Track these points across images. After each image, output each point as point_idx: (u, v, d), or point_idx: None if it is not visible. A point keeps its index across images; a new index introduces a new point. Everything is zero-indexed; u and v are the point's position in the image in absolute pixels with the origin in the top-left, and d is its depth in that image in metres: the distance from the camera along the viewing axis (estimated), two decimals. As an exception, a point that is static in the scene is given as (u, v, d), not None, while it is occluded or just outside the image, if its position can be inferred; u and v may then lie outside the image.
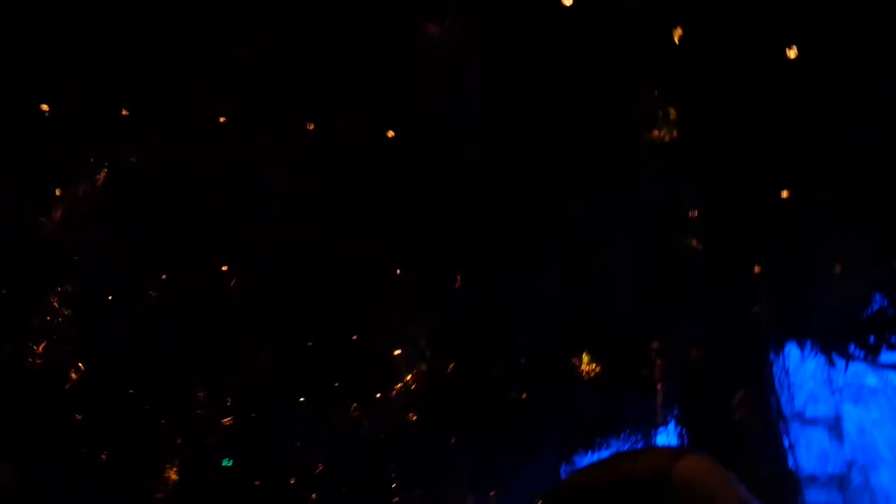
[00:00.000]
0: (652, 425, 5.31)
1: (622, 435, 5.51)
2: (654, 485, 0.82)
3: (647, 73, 3.37)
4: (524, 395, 5.25)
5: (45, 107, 3.77)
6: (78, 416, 4.81)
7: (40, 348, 4.60)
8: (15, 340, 4.56)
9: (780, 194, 3.48)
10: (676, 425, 4.93)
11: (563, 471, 5.89)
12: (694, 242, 3.72)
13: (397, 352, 5.30)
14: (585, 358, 5.11)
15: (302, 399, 5.24)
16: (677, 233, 3.71)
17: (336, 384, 5.24)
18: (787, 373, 4.39)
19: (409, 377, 5.25)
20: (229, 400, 5.16)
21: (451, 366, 5.30)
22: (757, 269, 3.73)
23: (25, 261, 4.45)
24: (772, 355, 4.33)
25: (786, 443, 4.21)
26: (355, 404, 5.29)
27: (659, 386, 4.72)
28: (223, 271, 4.67)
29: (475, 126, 3.40)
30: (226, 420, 5.21)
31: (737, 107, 3.38)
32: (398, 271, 4.79)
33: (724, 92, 3.28)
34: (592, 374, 5.11)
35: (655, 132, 3.58)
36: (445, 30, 3.12)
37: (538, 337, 4.81)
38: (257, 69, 3.42)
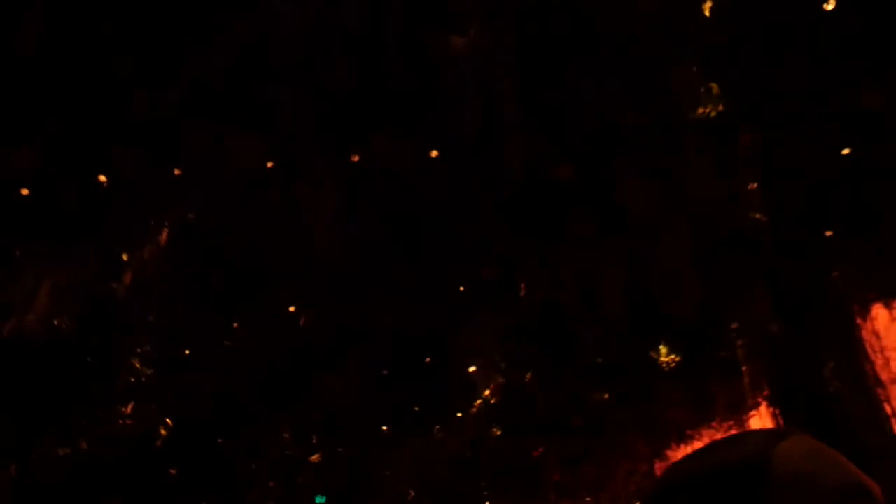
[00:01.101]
0: (743, 409, 5.14)
1: (713, 423, 5.34)
2: (752, 472, 0.77)
3: (682, 52, 3.30)
4: (605, 396, 5.16)
5: (102, 178, 3.91)
6: (172, 471, 4.93)
7: (129, 409, 4.75)
8: (104, 404, 4.72)
9: (840, 152, 3.34)
10: (768, 406, 4.76)
11: (657, 468, 5.75)
12: (757, 215, 3.60)
13: (472, 368, 5.28)
14: (663, 350, 5.00)
15: (384, 427, 5.26)
16: (736, 206, 3.60)
17: (415, 408, 5.24)
18: (877, 336, 4.19)
19: (486, 392, 5.22)
20: (314, 437, 5.22)
21: (527, 375, 5.25)
22: (828, 232, 3.59)
23: (104, 327, 4.61)
24: (858, 320, 4.14)
25: (888, 409, 4.01)
26: (437, 426, 5.28)
27: (744, 367, 4.57)
28: (290, 312, 4.74)
29: (512, 131, 3.39)
30: (313, 457, 5.27)
31: (784, 70, 3.27)
32: (461, 288, 4.79)
33: (767, 58, 3.19)
34: (673, 365, 4.99)
35: (700, 109, 3.50)
36: (471, 41, 3.12)
37: (610, 334, 4.73)
38: (297, 109, 3.48)
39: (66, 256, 4.13)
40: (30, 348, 4.40)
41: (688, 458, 0.86)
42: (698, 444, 5.40)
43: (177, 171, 3.93)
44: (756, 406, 4.94)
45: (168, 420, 4.91)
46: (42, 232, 4.01)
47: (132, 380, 4.80)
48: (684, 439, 5.43)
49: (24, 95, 3.28)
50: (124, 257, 4.20)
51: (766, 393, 4.76)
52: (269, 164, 3.89)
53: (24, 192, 3.81)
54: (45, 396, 4.59)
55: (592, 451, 5.58)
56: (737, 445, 0.83)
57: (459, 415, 5.27)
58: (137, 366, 4.80)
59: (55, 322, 4.34)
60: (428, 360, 5.19)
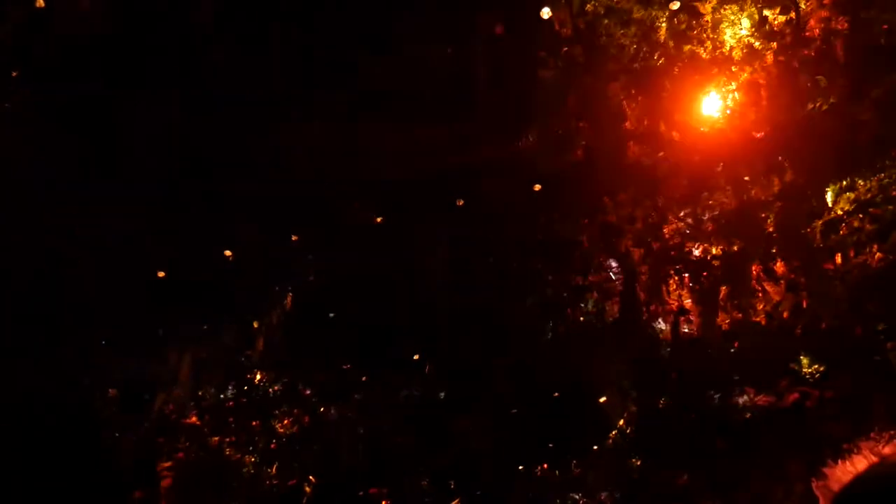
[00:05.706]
0: (904, 416, 4.75)
1: (871, 434, 4.95)
2: None
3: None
4: (748, 416, 4.92)
5: (228, 252, 4.16)
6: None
7: (273, 469, 4.95)
8: (250, 465, 4.94)
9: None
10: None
11: (815, 487, 5.37)
12: (889, 207, 3.38)
13: (602, 399, 5.18)
14: (804, 360, 4.72)
15: (521, 467, 5.22)
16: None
17: (550, 444, 5.18)
18: None
19: (621, 422, 5.09)
20: (452, 483, 5.25)
21: (661, 400, 5.08)
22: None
23: (244, 394, 4.85)
24: None
25: None
26: (574, 461, 5.19)
27: (899, 371, 4.25)
28: (415, 360, 4.84)
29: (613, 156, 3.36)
30: (454, 503, 5.28)
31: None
32: (581, 318, 4.74)
33: None
34: (818, 375, 4.70)
35: (809, 105, 3.35)
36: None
37: (743, 348, 4.52)
38: (398, 164, 3.61)
39: (204, 331, 4.41)
40: (180, 419, 4.68)
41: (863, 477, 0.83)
42: (857, 459, 5.01)
43: (294, 238, 4.13)
44: (920, 412, 4.56)
45: (311, 477, 5.08)
46: (181, 311, 4.29)
47: (273, 442, 5.01)
48: (841, 454, 5.06)
49: (155, 190, 3.55)
50: (255, 325, 4.44)
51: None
52: (378, 220, 4.03)
53: (161, 274, 4.12)
54: (199, 462, 4.87)
55: (742, 475, 5.30)
56: None
57: (596, 447, 5.16)
58: (279, 429, 5.02)
59: (199, 393, 4.62)
60: (556, 394, 5.13)
